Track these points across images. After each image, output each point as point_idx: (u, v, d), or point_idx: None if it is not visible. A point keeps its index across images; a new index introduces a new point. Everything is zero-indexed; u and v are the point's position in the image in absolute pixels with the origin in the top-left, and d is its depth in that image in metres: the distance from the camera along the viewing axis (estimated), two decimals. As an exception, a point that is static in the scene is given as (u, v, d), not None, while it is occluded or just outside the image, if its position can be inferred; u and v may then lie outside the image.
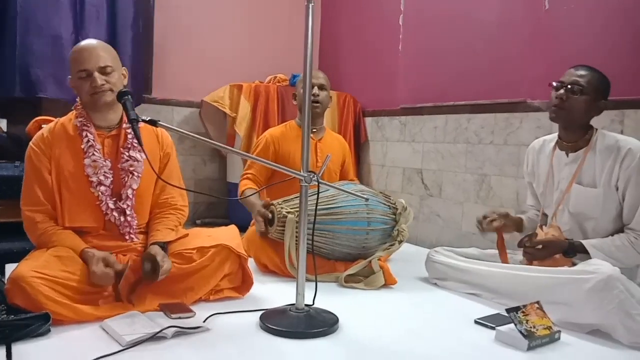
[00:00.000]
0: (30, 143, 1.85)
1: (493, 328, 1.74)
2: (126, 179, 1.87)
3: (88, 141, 1.83)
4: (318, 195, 1.92)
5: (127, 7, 3.58)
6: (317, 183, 1.74)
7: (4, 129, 3.13)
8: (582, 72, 1.98)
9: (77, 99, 1.91)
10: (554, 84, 2.03)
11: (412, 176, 3.61)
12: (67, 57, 3.22)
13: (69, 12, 3.34)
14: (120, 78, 1.88)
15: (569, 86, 1.97)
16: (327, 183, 1.99)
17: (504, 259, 2.19)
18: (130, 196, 1.87)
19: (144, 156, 1.88)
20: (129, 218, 1.87)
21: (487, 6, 3.07)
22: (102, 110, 1.87)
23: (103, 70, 1.81)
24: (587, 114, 2.00)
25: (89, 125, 1.85)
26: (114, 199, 1.86)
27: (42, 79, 3.27)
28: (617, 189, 1.95)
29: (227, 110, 3.66)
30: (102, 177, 1.83)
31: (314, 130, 2.73)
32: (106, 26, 3.51)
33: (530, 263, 2.05)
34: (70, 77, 1.86)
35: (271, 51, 4.32)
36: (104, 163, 1.84)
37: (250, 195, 2.49)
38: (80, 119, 1.86)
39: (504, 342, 1.66)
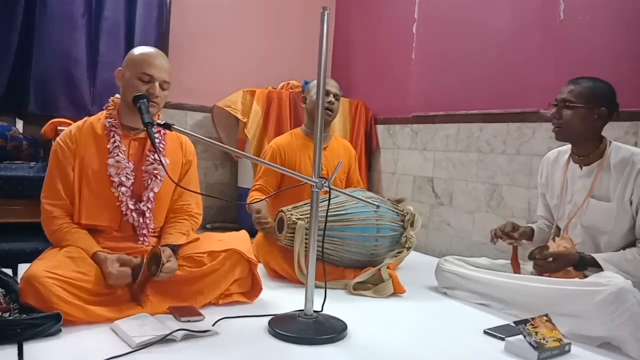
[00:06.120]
0: (58, 138, 1.89)
1: (502, 339, 1.73)
2: (149, 181, 1.90)
3: (115, 142, 1.87)
4: (329, 202, 1.90)
5: (147, 14, 3.63)
6: (328, 189, 1.74)
7: (20, 130, 3.18)
8: (570, 87, 1.99)
9: (110, 99, 1.95)
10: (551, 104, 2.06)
11: (423, 184, 3.60)
12: (81, 75, 3.31)
13: (83, 29, 3.38)
14: (166, 97, 1.92)
15: (560, 104, 2.00)
16: (339, 189, 1.99)
17: (516, 270, 2.18)
18: (152, 199, 1.91)
19: (168, 160, 1.91)
20: (147, 220, 1.90)
21: (500, 15, 3.07)
22: (136, 114, 1.88)
23: (162, 85, 1.86)
24: (586, 125, 1.97)
25: (117, 126, 1.89)
26: (134, 199, 1.89)
27: (55, 98, 3.30)
28: (630, 203, 1.93)
29: (239, 115, 3.66)
30: (123, 178, 1.86)
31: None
32: (122, 32, 3.55)
33: (540, 274, 2.03)
34: (121, 69, 1.88)
35: (285, 58, 4.34)
36: (127, 164, 1.87)
37: (260, 200, 2.49)
38: (109, 119, 1.90)
39: (514, 353, 1.64)
